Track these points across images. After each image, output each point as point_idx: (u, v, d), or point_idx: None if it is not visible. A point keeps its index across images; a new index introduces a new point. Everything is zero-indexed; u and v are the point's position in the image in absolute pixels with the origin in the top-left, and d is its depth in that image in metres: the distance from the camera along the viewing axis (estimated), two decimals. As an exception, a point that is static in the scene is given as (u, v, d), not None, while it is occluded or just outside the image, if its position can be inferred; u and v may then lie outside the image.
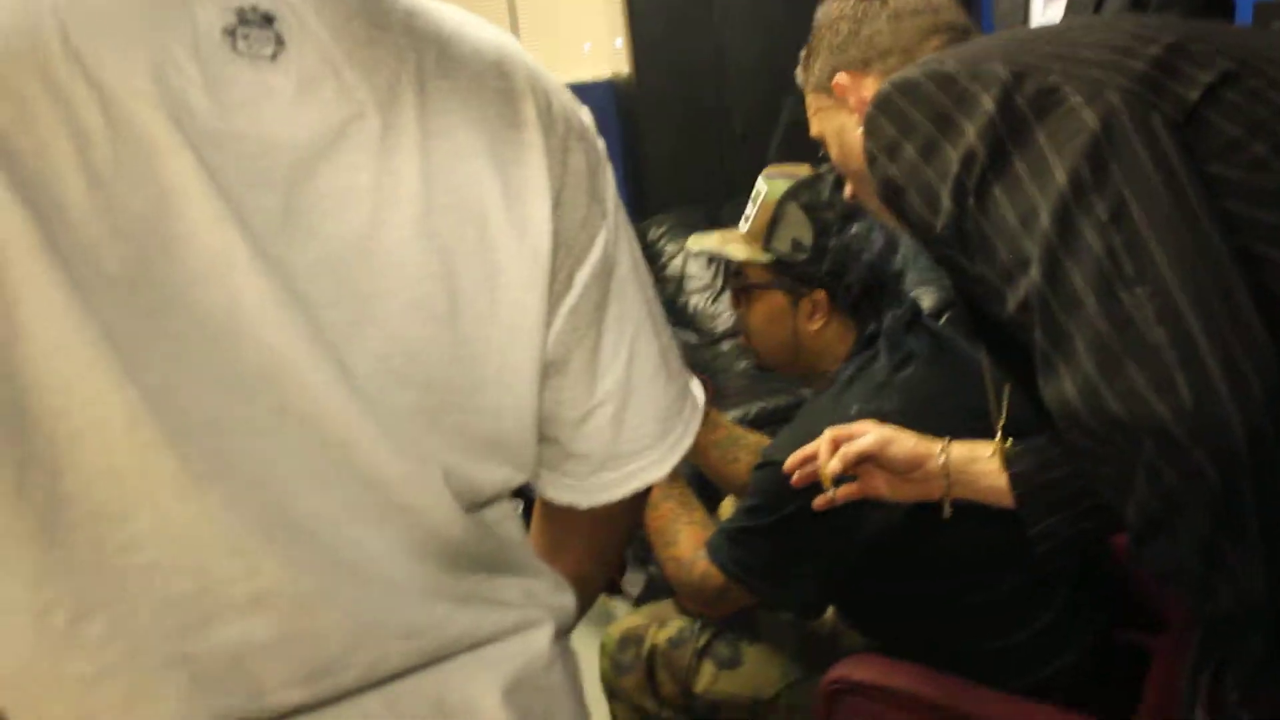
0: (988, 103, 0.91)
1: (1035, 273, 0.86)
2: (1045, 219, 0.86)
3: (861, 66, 1.29)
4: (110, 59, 0.61)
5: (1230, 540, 0.79)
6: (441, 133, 0.72)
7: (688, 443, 0.89)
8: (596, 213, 0.80)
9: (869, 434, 1.40)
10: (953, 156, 0.93)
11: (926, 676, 1.51)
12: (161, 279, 0.63)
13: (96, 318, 0.61)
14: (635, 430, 0.85)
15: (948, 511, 1.37)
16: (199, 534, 0.66)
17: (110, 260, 0.62)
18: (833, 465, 1.38)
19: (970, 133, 0.92)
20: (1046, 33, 0.99)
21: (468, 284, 0.73)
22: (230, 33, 0.65)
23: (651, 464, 0.87)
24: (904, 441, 1.39)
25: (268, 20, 0.66)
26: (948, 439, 1.39)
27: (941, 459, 1.38)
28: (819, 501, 1.42)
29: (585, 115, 0.82)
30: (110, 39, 0.62)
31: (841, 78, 1.29)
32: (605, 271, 0.81)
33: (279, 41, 0.66)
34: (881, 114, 1.00)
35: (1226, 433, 0.77)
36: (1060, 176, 0.86)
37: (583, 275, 0.79)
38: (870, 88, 1.26)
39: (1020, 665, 1.52)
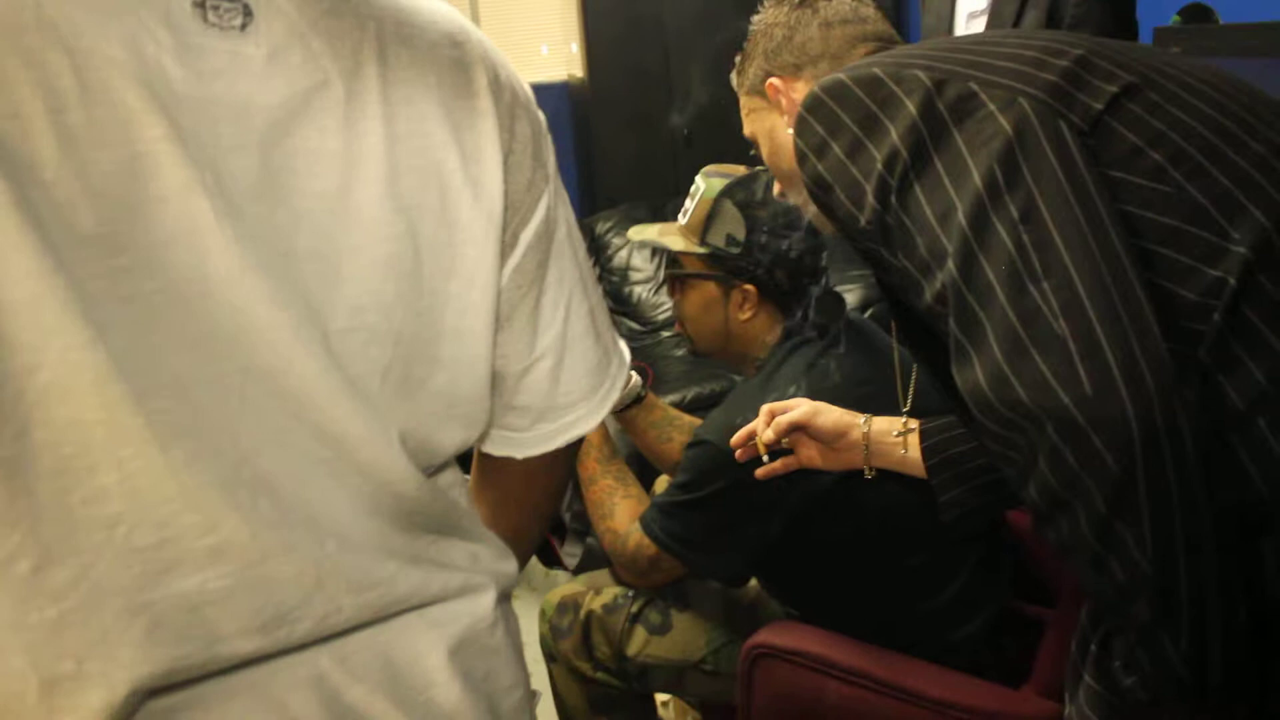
0: (910, 106, 0.95)
1: (951, 266, 0.90)
2: (961, 216, 0.89)
3: (793, 71, 1.34)
4: (84, 27, 0.61)
5: (1123, 519, 0.82)
6: (402, 99, 0.73)
7: (615, 397, 0.93)
8: (540, 177, 0.82)
9: (800, 407, 1.50)
10: (877, 156, 0.96)
11: (839, 642, 1.58)
12: (134, 240, 0.63)
13: (68, 276, 0.61)
14: (570, 384, 0.88)
15: (869, 474, 1.49)
16: (162, 489, 0.66)
17: (84, 220, 0.62)
18: (766, 435, 1.49)
19: (894, 134, 0.95)
20: (965, 43, 1.03)
21: (429, 241, 0.75)
22: (200, 5, 0.65)
23: (584, 415, 0.91)
24: (830, 413, 1.49)
25: None
26: (868, 415, 1.49)
27: (864, 429, 1.48)
28: (760, 471, 1.51)
29: (528, 87, 0.84)
30: (83, 9, 0.62)
31: (774, 81, 1.34)
32: (547, 233, 0.83)
33: (247, 13, 0.67)
34: (811, 115, 1.03)
35: (1123, 422, 0.80)
36: (976, 177, 0.89)
37: (527, 235, 0.81)
38: (800, 91, 1.31)
39: (926, 632, 1.60)
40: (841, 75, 1.02)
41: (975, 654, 1.61)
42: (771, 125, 1.38)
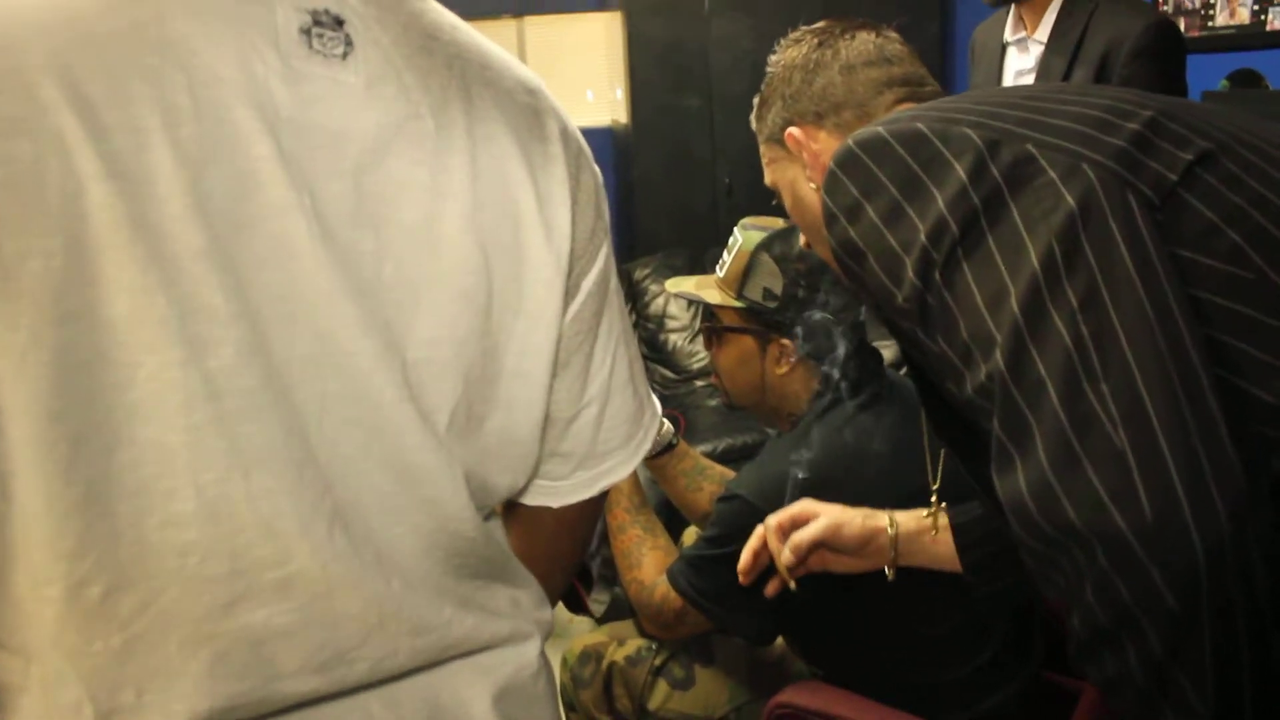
0: (960, 170, 0.84)
1: (999, 357, 0.79)
2: (1014, 301, 0.79)
3: (814, 120, 1.23)
4: (199, 46, 0.63)
5: (1182, 665, 0.73)
6: (485, 137, 0.75)
7: (647, 446, 0.94)
8: (600, 228, 0.84)
9: (817, 520, 1.35)
10: (920, 225, 0.85)
11: (865, 706, 1.54)
12: (235, 260, 0.64)
13: (169, 294, 0.62)
14: (610, 431, 0.89)
15: (891, 576, 1.40)
16: (239, 517, 0.66)
17: (195, 236, 0.62)
18: (786, 559, 1.36)
19: (940, 201, 0.84)
20: (1019, 98, 0.92)
21: (500, 278, 0.76)
22: (306, 32, 0.67)
23: (619, 464, 0.91)
24: (852, 523, 1.35)
25: (338, 23, 0.69)
26: (891, 512, 1.38)
27: (891, 531, 1.36)
28: (770, 589, 1.43)
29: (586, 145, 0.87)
30: (200, 29, 0.64)
31: (794, 131, 1.23)
32: (604, 282, 0.85)
33: (349, 43, 0.69)
34: (844, 172, 0.92)
35: (1188, 555, 0.70)
36: (1033, 256, 0.79)
37: (588, 283, 0.83)
38: (823, 141, 1.22)
39: (955, 700, 1.57)
40: (880, 129, 0.91)
41: (1004, 724, 1.57)
42: (793, 177, 1.27)
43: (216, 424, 0.64)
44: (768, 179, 1.33)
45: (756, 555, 1.41)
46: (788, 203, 1.31)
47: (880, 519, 1.36)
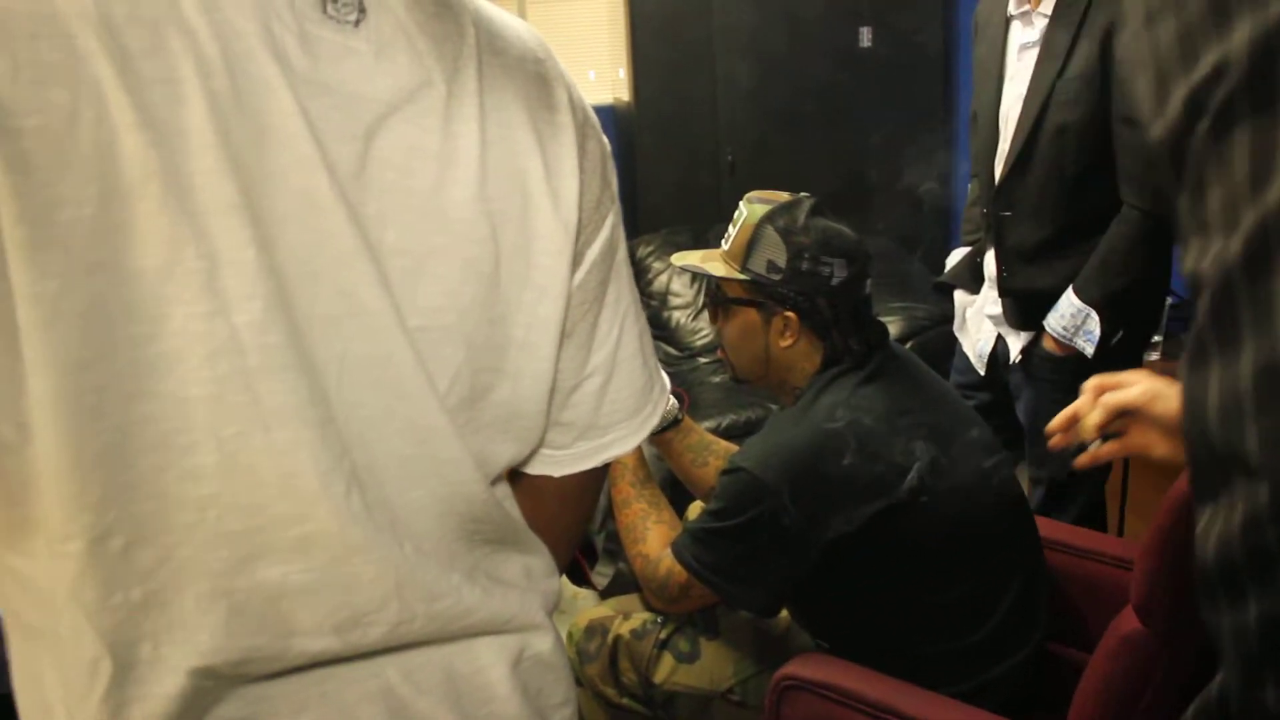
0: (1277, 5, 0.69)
1: (1236, 247, 0.68)
2: (1277, 190, 0.66)
3: None
4: (226, 2, 0.63)
5: None
6: (496, 105, 0.75)
7: (654, 421, 0.93)
8: (607, 197, 0.83)
9: (1136, 385, 1.27)
10: (1207, 58, 0.71)
11: (870, 677, 1.56)
12: (263, 214, 0.64)
13: (201, 247, 0.62)
14: (614, 403, 0.89)
15: None
16: (259, 472, 0.66)
17: (227, 189, 0.62)
18: (1094, 417, 1.28)
19: (1238, 36, 0.69)
20: None
21: (509, 248, 0.75)
22: None
23: (624, 436, 0.91)
24: (1169, 401, 1.23)
25: None
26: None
27: None
28: (1082, 459, 1.34)
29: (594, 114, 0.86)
30: None
31: None
32: (610, 252, 0.84)
33: (361, 10, 0.68)
34: None
35: None
36: None
37: (592, 253, 0.82)
38: None
39: (958, 671, 1.58)
40: None
41: (1008, 695, 1.59)
42: None
43: (241, 378, 0.64)
44: None
45: (1069, 421, 1.33)
46: None
47: None
